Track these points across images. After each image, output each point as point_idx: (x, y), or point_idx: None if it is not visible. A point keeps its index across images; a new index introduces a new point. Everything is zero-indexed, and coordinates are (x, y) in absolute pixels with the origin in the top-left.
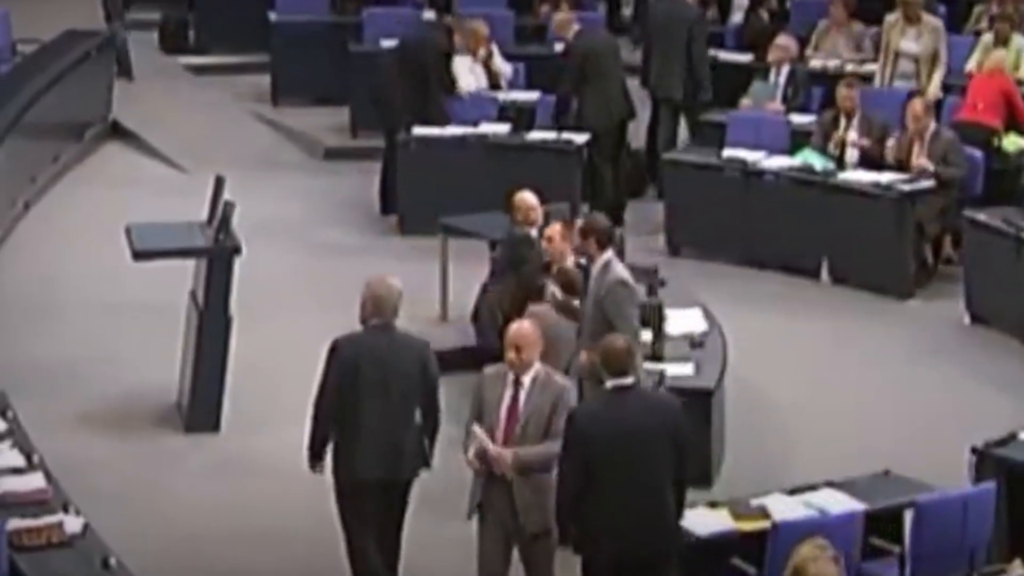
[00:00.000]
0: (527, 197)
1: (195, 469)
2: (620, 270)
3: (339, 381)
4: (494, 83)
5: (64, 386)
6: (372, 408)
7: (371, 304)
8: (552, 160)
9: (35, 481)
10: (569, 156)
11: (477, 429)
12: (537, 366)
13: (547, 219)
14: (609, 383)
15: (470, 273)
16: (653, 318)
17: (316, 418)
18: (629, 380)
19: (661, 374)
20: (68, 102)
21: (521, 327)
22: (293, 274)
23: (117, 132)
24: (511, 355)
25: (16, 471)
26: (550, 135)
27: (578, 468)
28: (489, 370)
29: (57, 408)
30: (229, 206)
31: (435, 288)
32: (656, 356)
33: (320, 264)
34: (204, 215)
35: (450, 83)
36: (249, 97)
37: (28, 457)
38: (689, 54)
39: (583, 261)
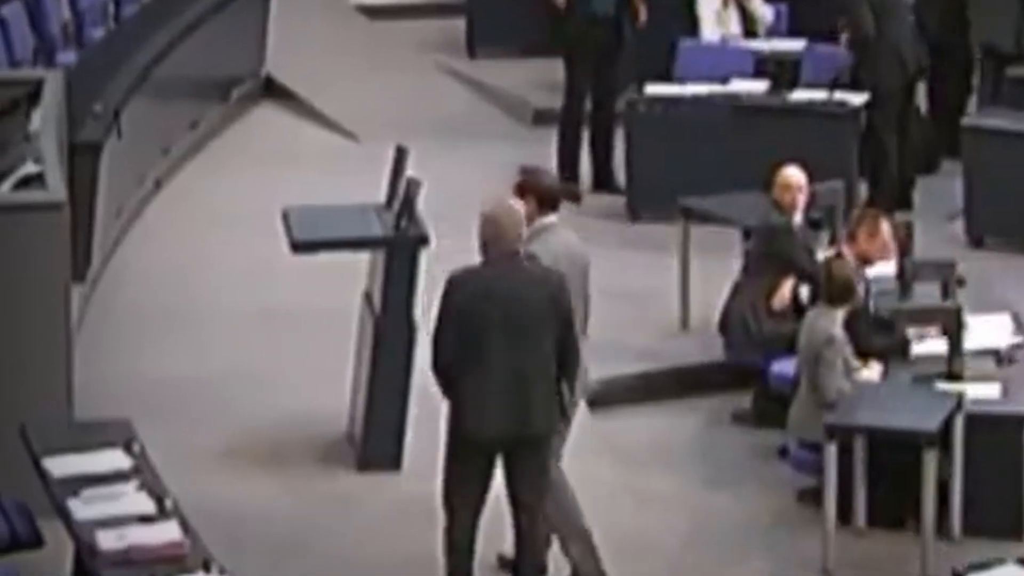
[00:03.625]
0: (793, 174)
1: (371, 516)
2: (556, 240)
3: (457, 324)
4: (749, 29)
5: (205, 412)
6: (498, 353)
7: (490, 231)
8: (822, 126)
9: (169, 531)
10: (844, 121)
11: None
12: None
13: (812, 201)
14: None
15: (717, 269)
16: (950, 327)
17: (439, 373)
18: None
19: (959, 396)
20: (210, 54)
21: None
22: None
23: (271, 91)
24: None
25: (145, 519)
26: (819, 95)
27: None
28: None
29: (196, 440)
30: (413, 185)
31: (672, 287)
32: (953, 374)
33: None
34: (381, 196)
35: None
36: (438, 47)
37: (160, 501)
38: None
39: None
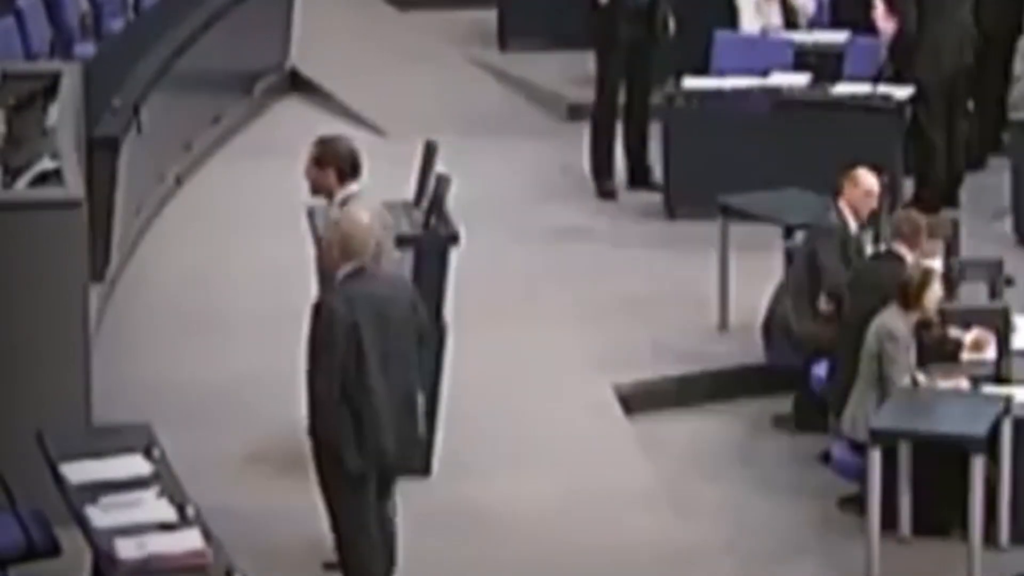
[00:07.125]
0: (874, 180)
1: (399, 523)
2: (353, 208)
3: (341, 348)
4: (790, 20)
5: (228, 417)
6: (380, 374)
7: (339, 247)
8: (865, 121)
9: (190, 540)
10: (888, 116)
11: None
12: None
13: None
14: None
15: (757, 268)
16: (999, 328)
17: (325, 402)
18: None
19: (1007, 401)
20: (233, 46)
21: None
22: (526, 270)
23: (296, 85)
24: None
25: (165, 527)
26: (862, 89)
27: None
28: None
29: (218, 445)
30: (443, 181)
31: (711, 288)
32: (1001, 377)
33: (561, 257)
34: (410, 193)
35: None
36: (469, 39)
37: (181, 509)
38: None
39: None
